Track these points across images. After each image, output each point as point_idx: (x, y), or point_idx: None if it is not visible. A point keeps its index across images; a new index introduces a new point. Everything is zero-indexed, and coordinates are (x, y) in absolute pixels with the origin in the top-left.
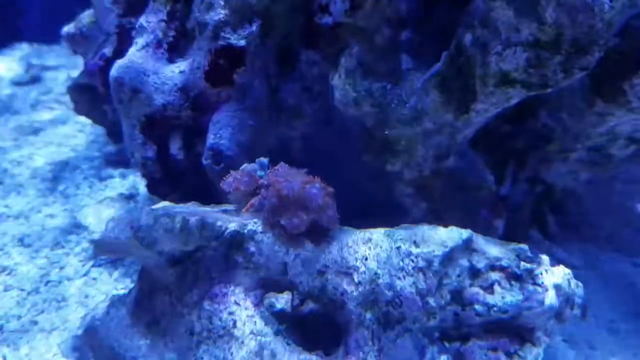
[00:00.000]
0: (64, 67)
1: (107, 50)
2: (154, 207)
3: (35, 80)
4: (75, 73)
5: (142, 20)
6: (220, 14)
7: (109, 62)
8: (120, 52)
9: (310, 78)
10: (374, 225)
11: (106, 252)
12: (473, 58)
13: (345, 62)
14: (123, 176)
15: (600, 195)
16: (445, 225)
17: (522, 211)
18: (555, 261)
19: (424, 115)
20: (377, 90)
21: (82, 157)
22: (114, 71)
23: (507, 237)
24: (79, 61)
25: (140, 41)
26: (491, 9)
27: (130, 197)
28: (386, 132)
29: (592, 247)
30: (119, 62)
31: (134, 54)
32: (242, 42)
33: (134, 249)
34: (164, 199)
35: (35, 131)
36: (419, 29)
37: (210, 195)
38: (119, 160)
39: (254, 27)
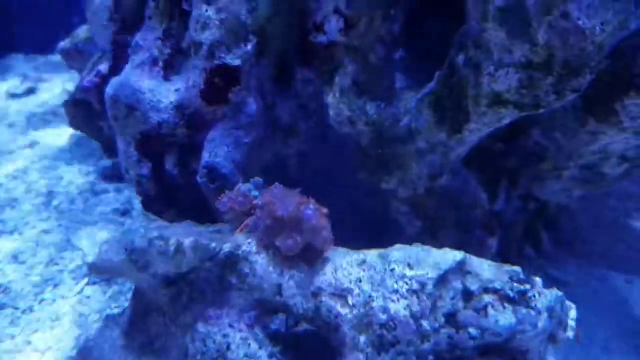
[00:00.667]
0: (60, 78)
1: (103, 67)
2: (147, 227)
3: (30, 91)
4: (70, 85)
5: (138, 38)
6: (215, 33)
7: (105, 78)
8: (115, 69)
9: (305, 96)
10: (369, 242)
11: (100, 273)
12: (466, 78)
13: (340, 80)
14: (118, 190)
15: (594, 211)
16: (439, 246)
17: (515, 228)
18: (549, 279)
19: (418, 134)
20: (371, 108)
21: (77, 171)
22: (109, 88)
23: (500, 254)
24: (75, 73)
25: (136, 59)
26: (484, 30)
27: (124, 212)
28: (380, 151)
29: (585, 264)
30: (115, 80)
31: (130, 71)
32: (238, 62)
33: (128, 271)
34: (159, 216)
35: (31, 144)
36: (412, 48)
37: (205, 211)
38: (114, 175)
39: (249, 47)
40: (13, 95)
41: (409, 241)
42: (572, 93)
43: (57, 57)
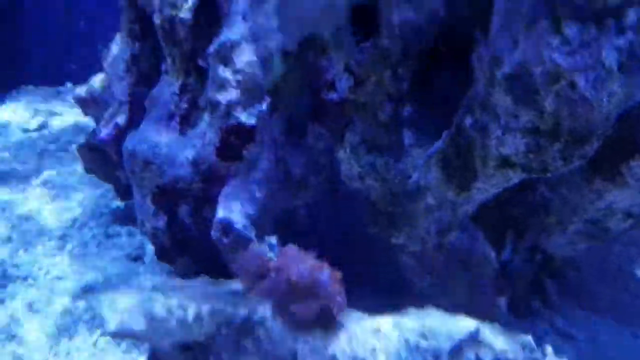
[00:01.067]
0: (70, 112)
1: (120, 120)
2: (165, 290)
3: (42, 126)
4: (80, 118)
5: (155, 92)
6: (232, 94)
7: (122, 131)
8: (132, 122)
9: (316, 150)
10: (380, 296)
11: (121, 339)
12: (473, 140)
13: (350, 137)
14: (130, 234)
15: (599, 258)
16: (450, 303)
17: (522, 281)
18: (557, 332)
19: (426, 191)
20: (381, 165)
21: (90, 213)
22: (127, 143)
23: (509, 308)
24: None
25: (153, 113)
26: (490, 94)
27: (137, 258)
28: (389, 206)
29: (592, 316)
30: (132, 134)
31: (147, 126)
32: (253, 121)
33: (147, 338)
34: (172, 264)
35: (44, 183)
36: (420, 104)
37: (218, 260)
38: (126, 217)
39: (264, 106)
40: (25, 130)
41: (419, 297)
42: (580, 160)
43: (68, 89)
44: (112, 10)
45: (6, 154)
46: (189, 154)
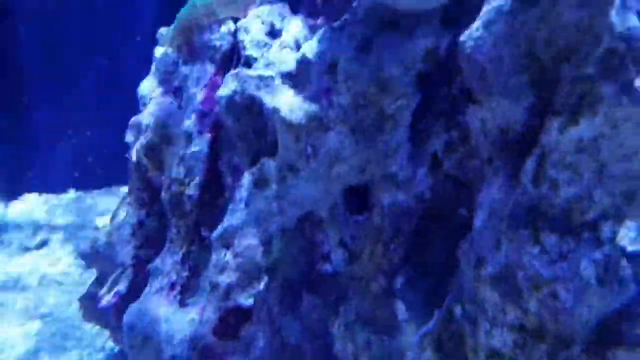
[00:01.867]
0: (72, 225)
1: (122, 287)
2: None
3: (43, 244)
4: (85, 232)
5: (158, 262)
6: (231, 276)
7: (124, 298)
8: (134, 287)
9: (311, 319)
10: None
11: None
12: (464, 329)
13: (345, 311)
14: None
15: None
16: None
17: None
18: None
19: None
20: (375, 342)
21: (86, 357)
22: (128, 315)
23: None
24: (87, 220)
25: (154, 284)
26: (478, 290)
27: None
28: None
29: None
30: (134, 307)
31: (148, 298)
32: (250, 301)
33: None
34: None
35: (42, 316)
36: (411, 278)
37: None
38: None
39: (261, 286)
40: (26, 249)
41: None
42: None
43: (70, 196)
44: (115, 119)
45: (5, 277)
46: (187, 330)
